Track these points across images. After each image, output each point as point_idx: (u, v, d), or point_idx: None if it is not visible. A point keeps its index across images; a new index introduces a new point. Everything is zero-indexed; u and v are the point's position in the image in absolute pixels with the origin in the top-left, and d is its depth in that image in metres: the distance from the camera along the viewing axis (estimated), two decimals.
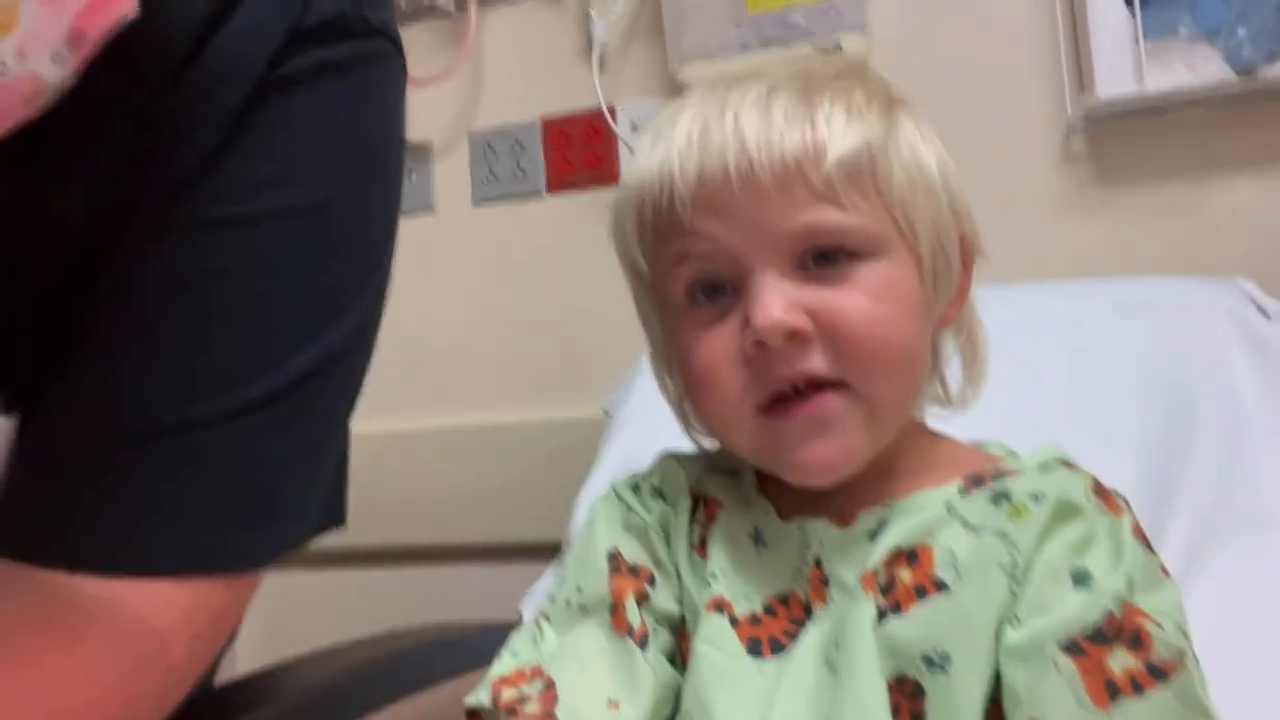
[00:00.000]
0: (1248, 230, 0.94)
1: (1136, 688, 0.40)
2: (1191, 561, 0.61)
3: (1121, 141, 0.99)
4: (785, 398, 0.47)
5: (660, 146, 0.48)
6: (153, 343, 0.44)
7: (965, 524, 0.46)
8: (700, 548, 0.52)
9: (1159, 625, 0.41)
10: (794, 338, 0.45)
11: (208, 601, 0.45)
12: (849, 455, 0.47)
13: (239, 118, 0.45)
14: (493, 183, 1.20)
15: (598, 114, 1.13)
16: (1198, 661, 0.41)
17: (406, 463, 1.16)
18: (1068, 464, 0.49)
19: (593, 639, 0.50)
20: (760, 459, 0.50)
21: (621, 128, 1.13)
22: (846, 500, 0.49)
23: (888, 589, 0.46)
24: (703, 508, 0.53)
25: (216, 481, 0.45)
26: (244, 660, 0.71)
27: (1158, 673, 0.40)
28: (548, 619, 0.52)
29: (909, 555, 0.46)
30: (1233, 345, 0.73)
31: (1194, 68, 0.92)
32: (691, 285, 0.49)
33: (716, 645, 0.48)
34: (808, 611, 0.48)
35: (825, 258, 0.47)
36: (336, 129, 0.48)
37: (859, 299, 0.46)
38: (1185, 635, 0.42)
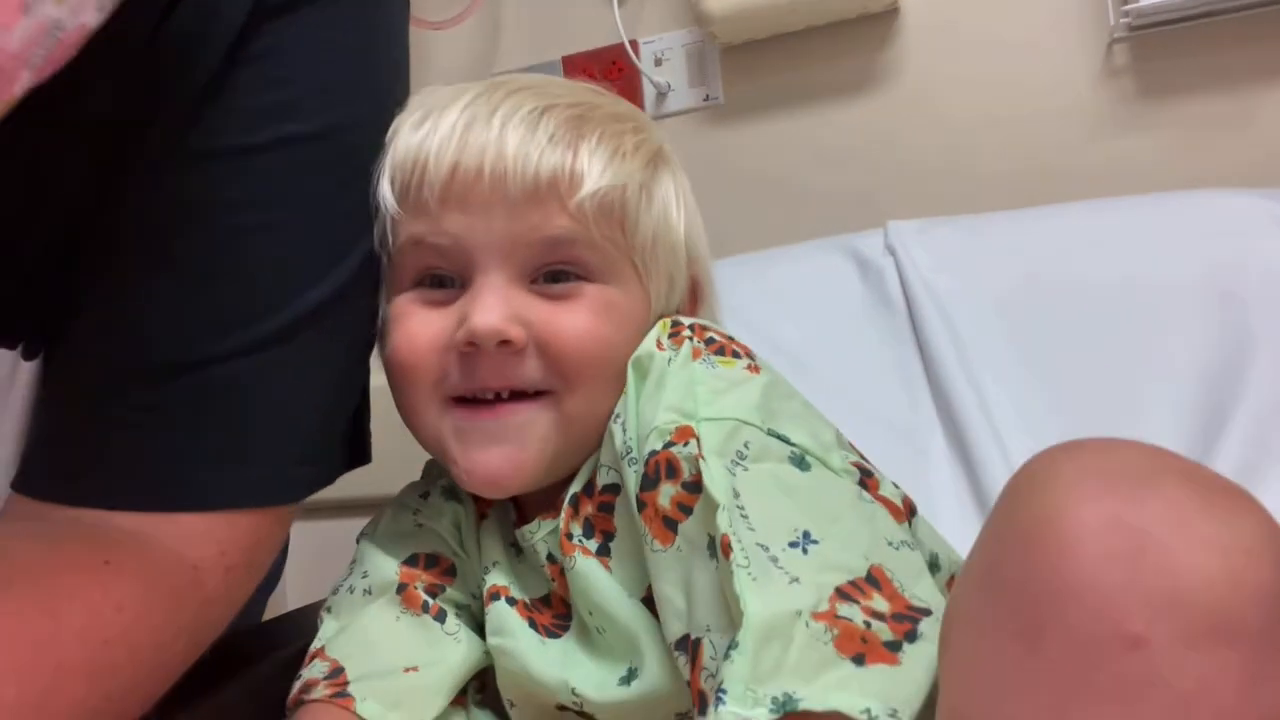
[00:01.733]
0: None
1: (685, 510, 0.42)
2: (1261, 450, 0.60)
3: (1166, 52, 0.94)
4: (477, 400, 0.48)
5: (425, 127, 0.49)
6: (168, 277, 0.44)
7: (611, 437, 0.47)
8: (479, 545, 0.54)
9: (690, 440, 0.42)
10: (506, 346, 0.46)
11: (242, 534, 0.46)
12: (521, 468, 0.47)
13: (237, 44, 0.44)
14: None
15: (619, 49, 1.10)
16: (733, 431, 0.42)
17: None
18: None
19: (380, 618, 0.51)
20: (438, 453, 0.50)
21: (645, 62, 1.11)
22: (557, 488, 0.50)
23: (588, 529, 0.47)
24: (476, 499, 0.55)
25: (243, 414, 0.45)
26: (293, 602, 0.71)
27: (692, 487, 0.41)
28: (329, 610, 0.53)
29: (585, 490, 0.48)
30: None
31: None
32: (422, 271, 0.49)
33: (503, 631, 0.50)
34: (566, 605, 0.50)
35: (556, 276, 0.48)
36: (338, 55, 0.47)
37: (579, 316, 0.48)
38: (744, 421, 0.42)
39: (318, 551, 0.82)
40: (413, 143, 0.48)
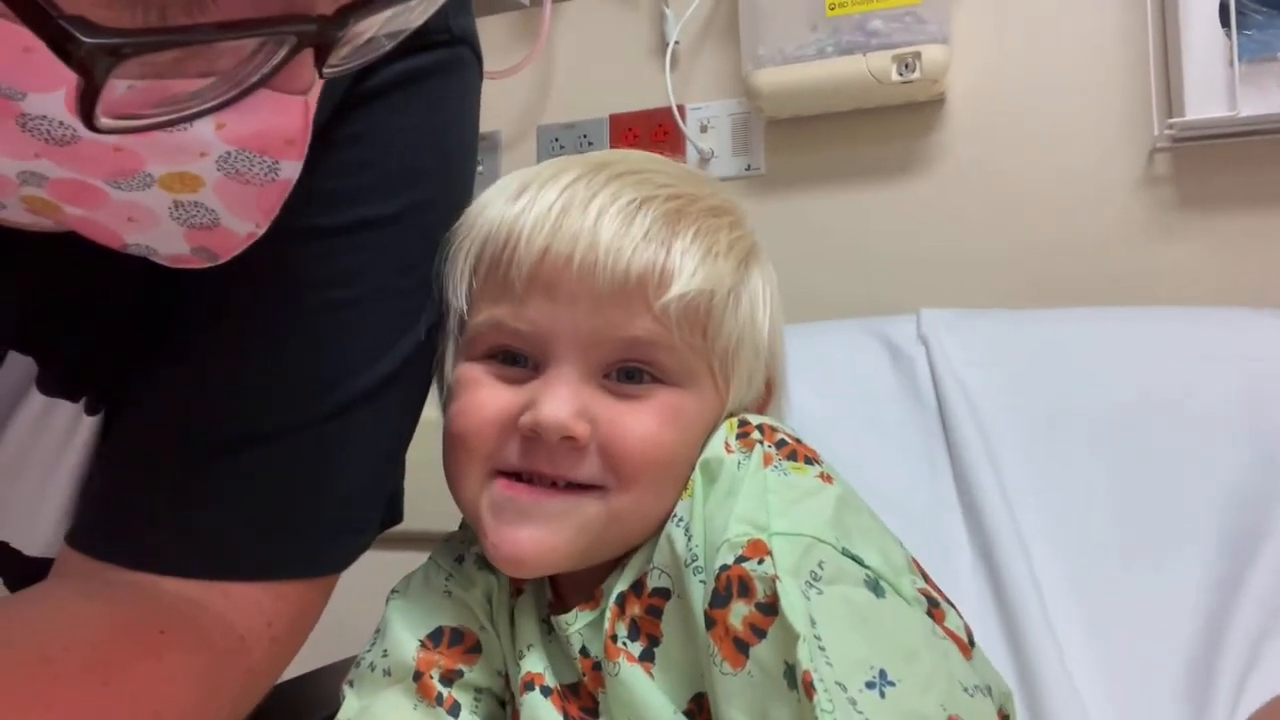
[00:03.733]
0: None
1: (758, 632, 0.41)
2: (1275, 616, 0.59)
3: (1208, 164, 0.95)
4: (521, 477, 0.47)
5: (521, 202, 0.48)
6: (239, 349, 0.45)
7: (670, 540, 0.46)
8: (512, 621, 0.52)
9: (764, 558, 0.41)
10: (569, 441, 0.46)
11: (289, 605, 0.46)
12: (549, 551, 0.46)
13: (325, 131, 0.45)
14: None
15: (666, 112, 1.12)
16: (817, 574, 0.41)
17: None
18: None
19: (397, 706, 0.50)
20: (472, 522, 0.49)
21: (690, 127, 1.12)
22: (594, 576, 0.49)
23: (634, 632, 0.46)
24: (512, 579, 0.53)
25: (300, 487, 0.46)
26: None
27: (766, 608, 0.41)
28: (351, 684, 0.52)
29: (633, 589, 0.47)
30: None
31: None
32: (496, 347, 0.49)
33: None
34: (595, 700, 0.49)
35: (633, 374, 0.47)
36: (418, 141, 0.48)
37: (646, 419, 0.47)
38: (814, 537, 0.42)
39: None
40: (507, 216, 0.48)
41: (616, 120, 1.17)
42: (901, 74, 0.98)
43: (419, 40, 0.46)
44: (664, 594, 0.46)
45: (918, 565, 0.48)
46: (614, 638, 0.47)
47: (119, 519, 0.45)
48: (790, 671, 0.39)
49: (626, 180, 0.48)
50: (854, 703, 0.37)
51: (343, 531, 0.48)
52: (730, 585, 0.42)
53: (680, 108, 1.12)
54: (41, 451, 0.45)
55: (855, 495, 0.48)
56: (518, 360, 0.48)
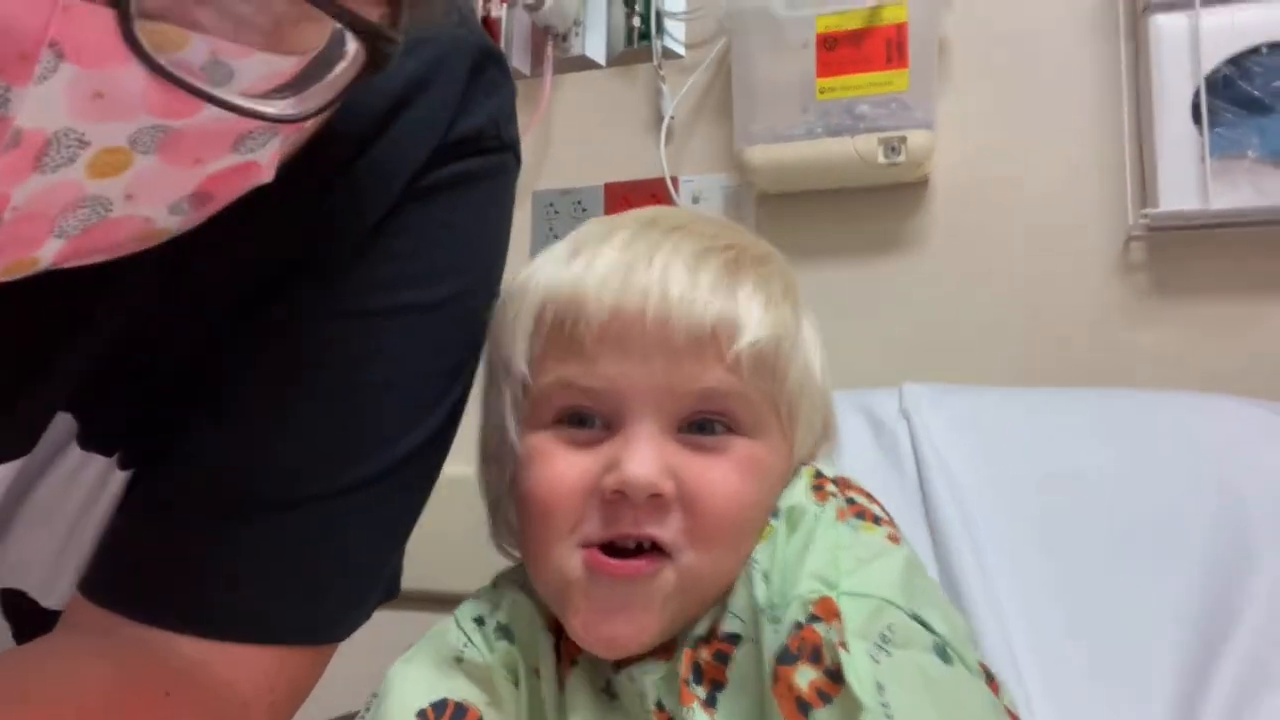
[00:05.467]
0: None
1: (824, 698, 0.40)
2: (1245, 701, 0.60)
3: (1182, 253, 0.99)
4: (612, 547, 0.46)
5: (579, 262, 0.48)
6: (272, 419, 0.46)
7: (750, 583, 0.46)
8: (561, 686, 0.50)
9: (834, 621, 0.41)
10: (656, 499, 0.45)
11: (290, 670, 0.46)
12: (644, 631, 0.46)
13: (380, 223, 0.47)
14: (553, 241, 1.22)
15: (660, 183, 1.15)
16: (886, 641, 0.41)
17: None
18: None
19: None
20: (557, 597, 0.48)
21: (682, 198, 1.15)
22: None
23: (697, 675, 0.46)
24: (564, 642, 0.51)
25: (315, 555, 0.46)
26: None
27: (834, 675, 0.40)
28: None
29: (705, 635, 0.46)
30: None
31: (1260, 190, 0.93)
32: (566, 410, 0.48)
33: None
34: None
35: (705, 426, 0.47)
36: (463, 236, 0.50)
37: (728, 473, 0.46)
38: (888, 600, 0.42)
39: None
40: (566, 278, 0.48)
41: (611, 189, 1.20)
42: (887, 156, 1.02)
43: (474, 145, 0.50)
44: (735, 640, 0.45)
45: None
46: (686, 682, 0.46)
47: (135, 571, 0.45)
48: None
49: (681, 234, 0.49)
50: None
51: (350, 601, 0.48)
52: (802, 647, 0.41)
53: (674, 179, 1.15)
54: (71, 504, 0.46)
55: (919, 559, 0.48)
56: (586, 421, 0.48)
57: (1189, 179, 0.95)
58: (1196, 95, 0.94)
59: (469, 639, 0.52)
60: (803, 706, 0.41)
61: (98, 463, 0.46)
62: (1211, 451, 0.74)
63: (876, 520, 0.47)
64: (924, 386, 0.88)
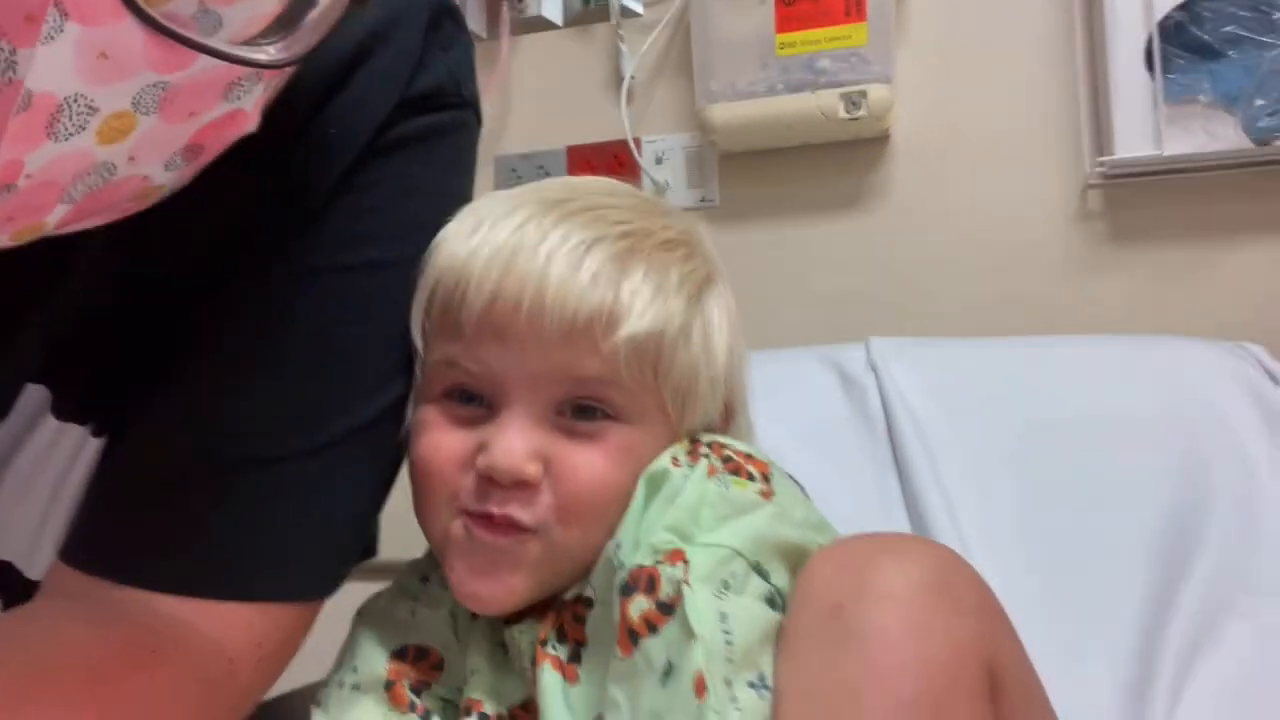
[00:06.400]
0: (1258, 295, 0.96)
1: (651, 628, 0.42)
2: (1205, 629, 0.63)
3: (1137, 201, 1.01)
4: (489, 515, 0.47)
5: (473, 242, 0.48)
6: (246, 377, 0.46)
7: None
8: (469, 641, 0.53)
9: (680, 564, 0.43)
10: (521, 484, 0.46)
11: (278, 627, 0.47)
12: (511, 595, 0.48)
13: (344, 176, 0.47)
14: None
15: (622, 145, 1.15)
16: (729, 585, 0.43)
17: None
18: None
19: (369, 715, 0.50)
20: (441, 557, 0.50)
21: (646, 159, 1.15)
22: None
23: (562, 636, 0.48)
24: None
25: (295, 511, 0.47)
26: None
27: (665, 608, 0.42)
28: (319, 704, 0.52)
29: (573, 599, 0.48)
30: (1243, 412, 0.74)
31: (1212, 134, 0.94)
32: (451, 387, 0.49)
33: None
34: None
35: (585, 410, 0.48)
36: (427, 191, 0.50)
37: (596, 459, 0.47)
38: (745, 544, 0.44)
39: None
40: (458, 257, 0.48)
41: (574, 151, 1.19)
42: (848, 111, 1.02)
43: (435, 101, 0.50)
44: (589, 604, 0.47)
45: None
46: (544, 642, 0.48)
47: (114, 534, 0.45)
48: (670, 670, 0.41)
49: (577, 221, 0.48)
50: (735, 700, 0.40)
51: (334, 557, 0.49)
52: (639, 580, 0.43)
53: (636, 140, 1.15)
54: (49, 473, 0.46)
55: (799, 507, 0.49)
56: (473, 399, 0.49)
57: (1143, 126, 0.96)
58: (1149, 42, 0.95)
59: (417, 596, 0.54)
60: (633, 636, 0.43)
61: (74, 432, 0.46)
62: (1170, 393, 0.76)
63: (750, 477, 0.48)
64: (890, 340, 0.90)
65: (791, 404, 0.84)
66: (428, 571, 0.56)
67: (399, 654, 0.52)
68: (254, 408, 0.46)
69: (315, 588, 0.48)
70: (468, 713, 0.50)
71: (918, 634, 0.39)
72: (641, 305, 0.47)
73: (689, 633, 0.40)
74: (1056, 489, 0.72)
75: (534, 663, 0.48)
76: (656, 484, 0.48)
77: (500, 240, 0.47)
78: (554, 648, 0.47)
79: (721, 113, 1.07)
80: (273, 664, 0.47)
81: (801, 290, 1.11)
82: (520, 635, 0.49)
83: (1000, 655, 0.41)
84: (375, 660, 0.52)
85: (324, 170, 0.46)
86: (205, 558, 0.45)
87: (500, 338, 0.47)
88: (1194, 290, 0.99)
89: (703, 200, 1.14)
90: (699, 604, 0.41)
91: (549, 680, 0.46)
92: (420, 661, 0.52)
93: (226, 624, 0.45)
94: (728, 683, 0.40)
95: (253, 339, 0.46)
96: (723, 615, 0.41)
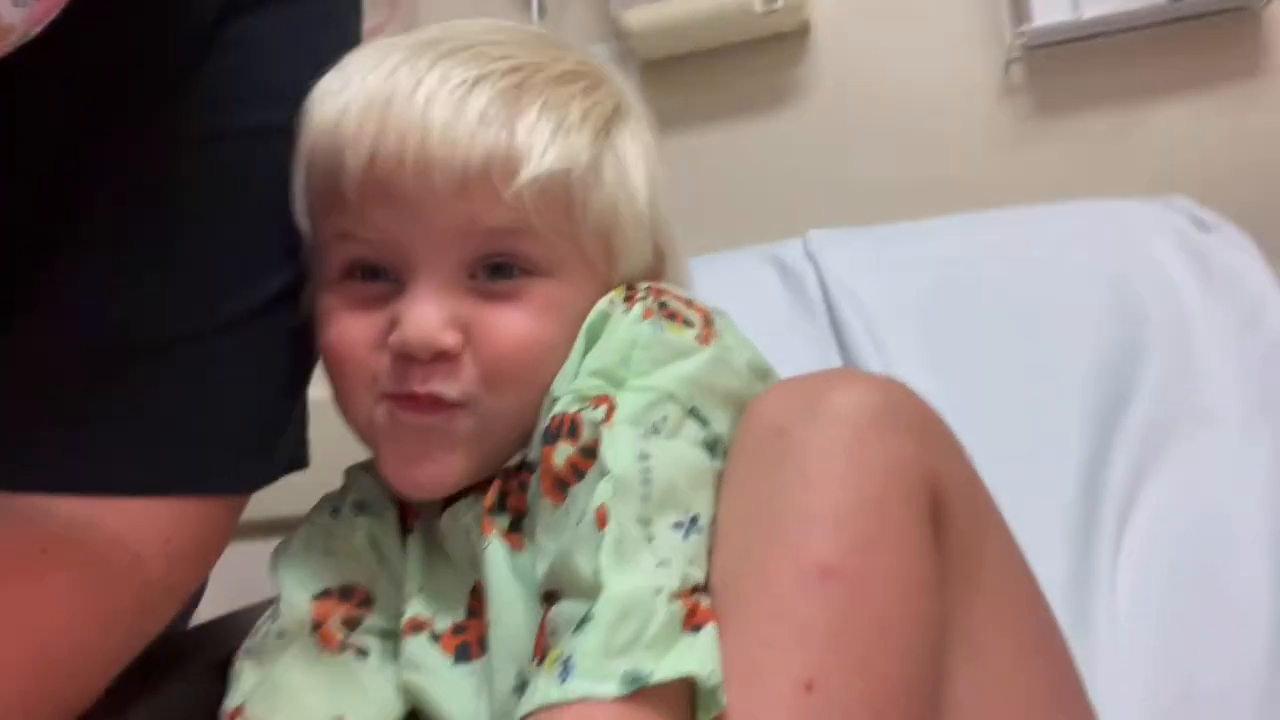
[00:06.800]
0: (1184, 152, 0.97)
1: (578, 473, 0.40)
2: (1151, 452, 0.64)
3: (1059, 70, 1.01)
4: (413, 395, 0.44)
5: (342, 99, 0.44)
6: (125, 258, 0.43)
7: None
8: (403, 559, 0.50)
9: (603, 406, 0.40)
10: (441, 356, 0.43)
11: (189, 523, 0.45)
12: (449, 475, 0.45)
13: (212, 32, 0.44)
14: None
15: None
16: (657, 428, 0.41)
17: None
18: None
19: (297, 664, 0.47)
20: (370, 446, 0.48)
21: None
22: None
23: (502, 504, 0.45)
24: (406, 512, 0.51)
25: (191, 401, 0.45)
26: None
27: (588, 452, 0.40)
28: (249, 654, 0.49)
29: (516, 466, 0.45)
30: (1173, 258, 0.75)
31: None
32: (350, 265, 0.46)
33: (421, 668, 0.46)
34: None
35: (498, 269, 0.45)
36: (305, 52, 0.47)
37: (518, 318, 0.44)
38: (673, 394, 0.41)
39: (245, 576, 0.80)
40: (329, 118, 0.44)
41: None
42: (765, 4, 1.00)
43: None
44: (533, 468, 0.43)
45: None
46: (489, 511, 0.45)
47: (2, 438, 0.43)
48: (585, 510, 0.38)
49: (457, 58, 0.44)
50: (651, 539, 0.38)
51: (240, 451, 0.47)
52: (560, 426, 0.41)
53: None
54: None
55: (740, 351, 0.46)
56: (377, 274, 0.45)
57: None
58: None
59: (330, 531, 0.51)
60: (560, 485, 0.41)
61: None
62: (1103, 249, 0.76)
63: (688, 323, 0.44)
64: (827, 230, 0.89)
65: (730, 301, 0.82)
66: (338, 503, 0.52)
67: (322, 595, 0.49)
68: (134, 293, 0.43)
69: (222, 482, 0.46)
70: (416, 631, 0.47)
71: (856, 447, 0.39)
72: (541, 143, 0.43)
73: (602, 469, 0.39)
74: (998, 347, 0.72)
75: (481, 533, 0.45)
76: (595, 332, 0.45)
77: (371, 90, 0.43)
78: (495, 516, 0.45)
79: (638, 17, 1.04)
80: (190, 561, 0.46)
81: (737, 194, 1.09)
82: (465, 511, 0.47)
83: (945, 477, 0.41)
84: (299, 601, 0.48)
85: (185, 25, 0.43)
86: (97, 453, 0.43)
87: (390, 199, 0.43)
88: (1121, 154, 0.99)
89: None
90: (616, 443, 0.39)
91: (494, 552, 0.44)
92: (347, 600, 0.49)
93: (129, 521, 0.43)
94: (643, 521, 0.38)
95: (128, 219, 0.44)
96: (643, 454, 0.39)
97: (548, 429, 0.42)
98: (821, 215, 1.01)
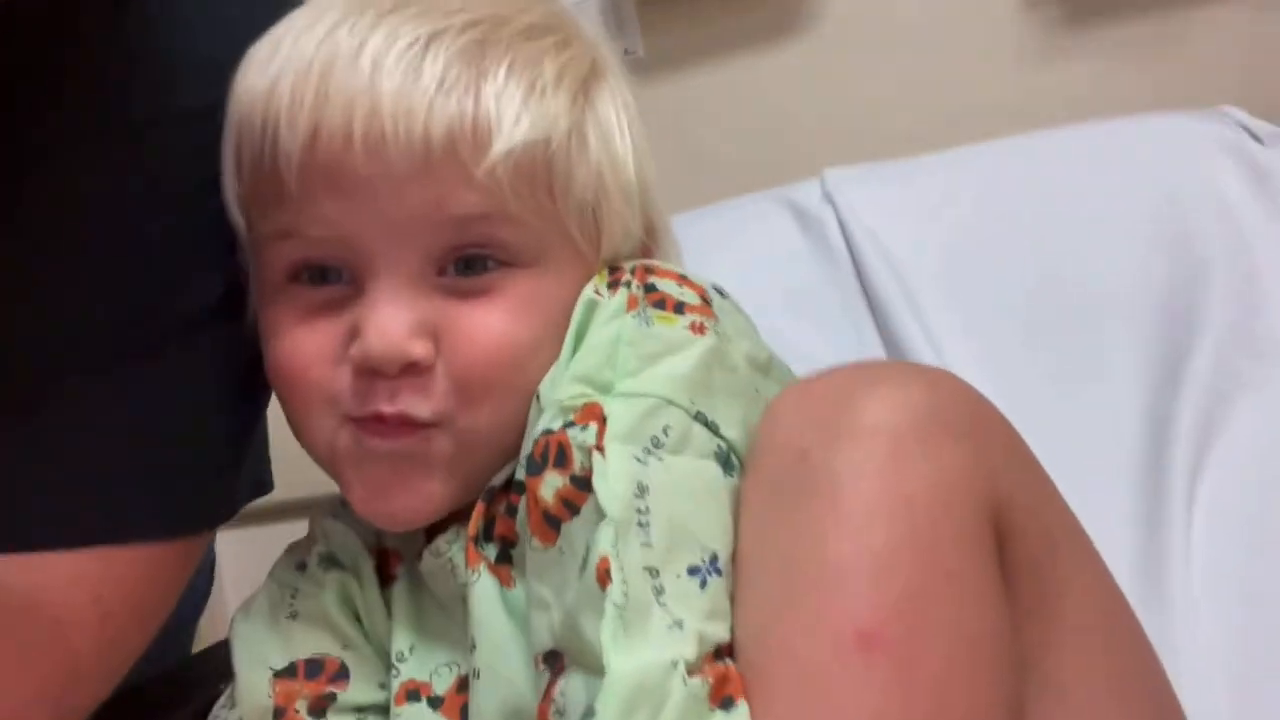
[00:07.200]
0: (1231, 59, 0.89)
1: (571, 508, 0.34)
2: (1221, 399, 0.57)
3: None
4: (380, 416, 0.39)
5: (274, 66, 0.38)
6: (20, 278, 0.38)
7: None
8: (388, 610, 0.44)
9: (591, 424, 0.34)
10: (410, 368, 0.37)
11: (124, 574, 0.40)
12: (427, 504, 0.40)
13: (108, 10, 0.38)
14: None
15: None
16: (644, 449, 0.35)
17: None
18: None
19: None
20: (333, 475, 0.42)
21: None
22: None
23: (489, 533, 0.40)
24: (384, 565, 0.45)
25: (104, 436, 0.39)
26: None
27: (582, 483, 0.34)
28: None
29: (505, 485, 0.40)
30: (1229, 175, 0.68)
31: None
32: (295, 268, 0.39)
33: None
34: None
35: (473, 263, 0.38)
36: (218, 21, 0.41)
37: (494, 321, 0.39)
38: (669, 399, 0.35)
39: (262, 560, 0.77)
40: (258, 91, 0.38)
41: None
42: None
43: None
44: (521, 488, 0.38)
45: None
46: (475, 540, 0.39)
47: None
48: (587, 557, 0.33)
49: (404, 14, 0.38)
50: (660, 592, 0.32)
51: (171, 486, 0.41)
52: (547, 452, 0.35)
53: None
54: None
55: (743, 341, 0.41)
56: (328, 276, 0.39)
57: None
58: None
59: (296, 590, 0.45)
60: (551, 521, 0.35)
61: None
62: (1149, 170, 0.69)
63: (680, 308, 0.39)
64: (845, 169, 0.83)
65: (745, 254, 0.78)
66: (304, 556, 0.46)
67: (286, 673, 0.42)
68: (33, 321, 0.38)
69: (153, 524, 0.40)
70: (412, 699, 0.41)
71: (895, 469, 0.32)
72: (513, 110, 0.37)
73: (599, 513, 0.33)
74: (1043, 290, 0.66)
75: (466, 566, 0.40)
76: (584, 327, 0.39)
77: (307, 56, 0.37)
78: (482, 546, 0.39)
79: None
80: (127, 620, 0.40)
81: (748, 135, 1.03)
82: (448, 546, 0.41)
83: (1009, 491, 0.34)
84: (256, 684, 0.42)
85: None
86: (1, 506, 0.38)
87: (337, 187, 0.37)
88: (1164, 65, 0.91)
89: (625, 53, 1.05)
90: (610, 473, 0.33)
91: (483, 588, 0.38)
92: (315, 677, 0.42)
93: (46, 580, 0.38)
94: (651, 571, 0.32)
95: (25, 232, 0.38)
96: (640, 487, 0.33)
97: (531, 456, 0.36)
98: (838, 152, 0.94)
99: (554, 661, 0.34)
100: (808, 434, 0.34)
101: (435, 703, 0.41)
